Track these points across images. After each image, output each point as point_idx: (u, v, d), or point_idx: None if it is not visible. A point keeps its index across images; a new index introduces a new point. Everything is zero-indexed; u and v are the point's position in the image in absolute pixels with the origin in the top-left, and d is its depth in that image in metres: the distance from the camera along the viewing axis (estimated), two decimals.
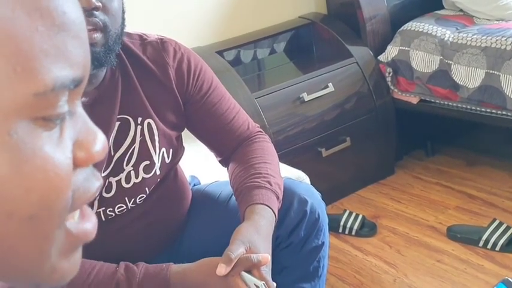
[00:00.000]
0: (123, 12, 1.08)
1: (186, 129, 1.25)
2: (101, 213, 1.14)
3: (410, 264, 1.92)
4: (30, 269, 0.38)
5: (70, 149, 0.37)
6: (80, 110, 0.39)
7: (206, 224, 1.29)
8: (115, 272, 1.04)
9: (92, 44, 1.00)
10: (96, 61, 1.02)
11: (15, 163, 0.33)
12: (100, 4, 1.00)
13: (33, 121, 0.34)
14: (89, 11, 0.98)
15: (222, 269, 0.95)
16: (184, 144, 1.27)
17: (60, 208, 0.36)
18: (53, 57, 0.34)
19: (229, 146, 1.26)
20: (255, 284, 0.94)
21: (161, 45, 1.17)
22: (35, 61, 0.33)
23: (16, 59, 0.33)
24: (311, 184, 1.60)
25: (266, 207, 1.09)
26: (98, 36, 1.01)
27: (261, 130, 1.30)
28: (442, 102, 2.26)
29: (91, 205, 1.12)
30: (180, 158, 1.26)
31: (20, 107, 0.33)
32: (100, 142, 0.39)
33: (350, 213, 2.15)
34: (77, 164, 0.37)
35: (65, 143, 0.36)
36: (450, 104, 2.24)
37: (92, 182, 0.39)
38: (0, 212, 0.34)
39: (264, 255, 0.99)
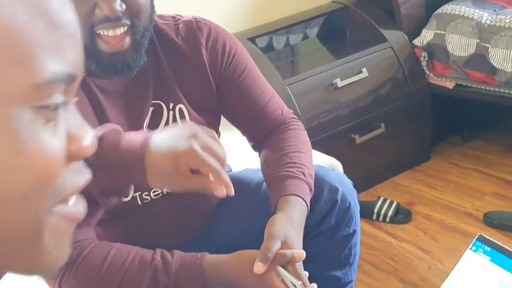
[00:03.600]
0: (152, 3, 1.07)
1: None
2: (137, 197, 1.15)
3: (446, 251, 1.90)
4: (23, 253, 0.40)
5: (64, 140, 0.40)
6: (73, 107, 0.42)
7: (237, 210, 1.29)
8: (152, 259, 1.06)
9: (121, 52, 1.01)
10: (125, 67, 1.03)
11: (15, 146, 0.36)
12: (123, 8, 0.99)
13: (32, 109, 0.37)
14: (114, 17, 0.98)
15: (259, 268, 0.95)
16: None
17: (51, 191, 0.39)
18: (50, 52, 0.37)
19: (262, 131, 1.25)
20: (291, 282, 0.94)
21: (195, 24, 1.16)
22: (35, 54, 0.36)
23: (17, 50, 0.36)
24: (344, 171, 1.59)
25: (299, 198, 1.08)
26: (126, 41, 1.01)
27: (295, 117, 1.29)
28: (478, 86, 2.21)
29: None
30: None
31: (20, 95, 0.36)
32: (90, 138, 0.42)
33: (384, 200, 2.13)
34: (68, 156, 0.40)
35: (60, 132, 0.39)
36: (487, 88, 2.19)
37: (81, 175, 0.42)
38: None
39: (299, 251, 0.99)
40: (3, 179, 0.36)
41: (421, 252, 1.92)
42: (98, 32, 0.99)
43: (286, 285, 0.95)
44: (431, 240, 1.97)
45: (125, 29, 1.01)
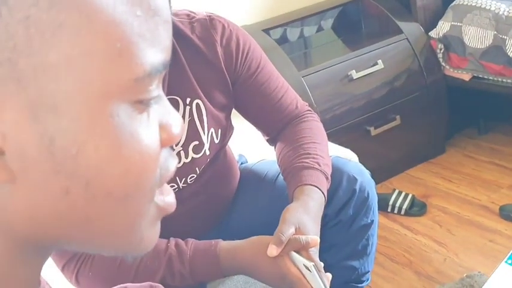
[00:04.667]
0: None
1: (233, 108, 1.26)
2: None
3: (461, 243, 1.89)
4: (123, 241, 0.40)
5: (157, 131, 0.38)
6: (162, 93, 0.40)
7: (254, 202, 1.30)
8: (167, 247, 1.07)
9: None
10: None
11: (116, 146, 0.35)
12: None
13: (131, 104, 0.35)
14: None
15: (273, 251, 0.96)
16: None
17: (152, 186, 0.38)
18: (149, 42, 0.35)
19: (277, 125, 1.25)
20: (304, 265, 0.94)
21: (210, 23, 1.16)
22: (135, 46, 0.34)
23: (118, 44, 0.34)
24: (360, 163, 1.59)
25: (315, 188, 1.08)
26: None
27: (310, 109, 1.29)
28: (495, 78, 2.19)
29: None
30: (229, 138, 1.27)
31: (122, 91, 0.34)
32: (179, 124, 0.41)
33: (399, 193, 2.13)
34: (161, 145, 0.39)
35: (153, 124, 0.38)
36: (504, 80, 2.17)
37: (171, 160, 0.41)
38: (99, 192, 0.36)
39: (313, 237, 0.99)
40: (106, 180, 0.36)
41: (436, 245, 1.91)
42: None
43: (299, 269, 0.95)
44: (446, 233, 1.96)
45: None
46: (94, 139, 0.34)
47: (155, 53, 0.36)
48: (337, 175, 1.18)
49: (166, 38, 0.37)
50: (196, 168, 1.19)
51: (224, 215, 1.30)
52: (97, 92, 0.34)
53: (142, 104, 0.36)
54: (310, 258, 0.97)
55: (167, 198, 0.42)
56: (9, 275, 0.38)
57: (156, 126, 0.38)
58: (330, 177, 1.14)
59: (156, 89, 0.37)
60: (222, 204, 1.29)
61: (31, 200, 0.35)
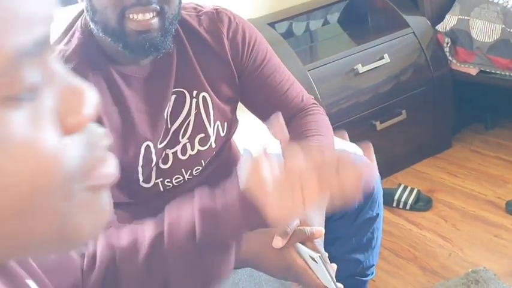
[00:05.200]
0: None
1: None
2: (159, 183, 1.16)
3: (467, 238, 1.89)
4: (55, 242, 0.35)
5: (52, 120, 0.32)
6: (58, 69, 0.33)
7: None
8: None
9: (149, 30, 1.01)
10: (153, 47, 1.03)
11: None
12: None
13: (1, 104, 0.29)
14: (145, 1, 0.98)
15: (278, 242, 0.96)
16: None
17: (60, 184, 0.32)
18: (2, 24, 0.28)
19: (283, 118, 1.25)
20: (309, 256, 0.94)
21: (216, 15, 1.17)
22: None
23: None
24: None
25: None
26: (154, 22, 1.01)
27: (316, 102, 1.29)
28: (503, 73, 2.18)
29: (149, 175, 1.14)
30: (235, 131, 1.27)
31: None
32: (87, 100, 0.34)
33: (405, 188, 2.12)
34: (71, 131, 0.33)
35: (44, 115, 0.31)
36: (511, 74, 2.16)
37: (98, 137, 0.36)
38: (3, 202, 0.31)
39: (318, 228, 0.99)
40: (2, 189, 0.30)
41: (441, 240, 1.91)
42: (127, 15, 1.00)
43: (305, 260, 0.95)
44: (451, 228, 1.96)
45: (154, 14, 1.01)
46: None
47: (16, 33, 0.28)
48: None
49: (32, 10, 0.30)
50: (202, 161, 1.19)
51: None
52: None
53: (16, 100, 0.29)
54: (315, 249, 0.96)
55: (107, 169, 0.36)
56: None
57: (50, 116, 0.32)
58: None
59: (37, 74, 0.30)
60: None
61: None
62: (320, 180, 0.73)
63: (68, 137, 0.33)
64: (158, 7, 1.01)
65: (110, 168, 0.37)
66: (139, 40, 1.02)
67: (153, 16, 1.01)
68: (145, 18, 1.00)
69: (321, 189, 0.73)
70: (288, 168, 0.74)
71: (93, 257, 0.75)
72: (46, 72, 0.31)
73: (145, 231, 0.76)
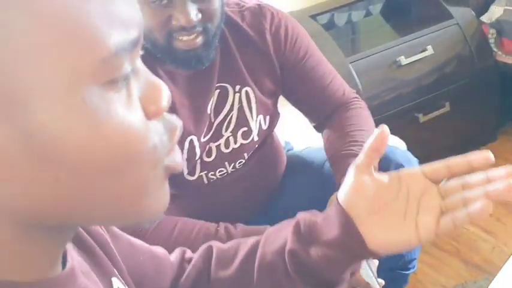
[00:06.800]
0: (223, 3, 1.09)
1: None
2: (203, 176, 1.19)
3: (511, 233, 1.86)
4: (130, 210, 0.41)
5: (139, 105, 0.39)
6: (142, 67, 0.41)
7: (301, 189, 1.31)
8: (216, 231, 1.09)
9: (195, 48, 1.04)
10: (199, 62, 1.06)
11: (93, 127, 0.36)
12: (198, 17, 1.02)
13: (102, 85, 0.36)
14: (190, 27, 1.01)
15: None
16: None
17: (146, 157, 0.39)
18: (109, 23, 0.35)
19: (324, 112, 1.26)
20: None
21: (259, 11, 1.18)
22: (95, 29, 0.35)
23: (77, 29, 0.34)
24: (407, 150, 1.58)
25: None
26: (199, 40, 1.04)
27: (357, 96, 1.29)
28: None
29: (194, 167, 1.17)
30: (276, 124, 1.28)
31: (89, 74, 0.35)
32: (165, 95, 0.41)
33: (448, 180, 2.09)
34: (150, 117, 0.40)
35: (134, 100, 0.39)
36: None
37: (172, 123, 0.42)
38: (89, 172, 0.37)
39: None
40: (92, 160, 0.36)
41: (484, 234, 1.88)
42: (175, 36, 1.03)
43: None
44: (495, 222, 1.93)
45: (199, 32, 1.04)
46: (71, 126, 0.35)
47: (119, 31, 0.36)
48: (385, 163, 1.16)
49: (130, 16, 0.37)
50: (245, 154, 1.21)
51: (271, 200, 1.32)
52: (64, 81, 0.34)
53: (116, 83, 0.37)
54: None
55: (176, 157, 0.43)
56: (23, 254, 0.40)
57: (138, 103, 0.39)
58: (377, 166, 1.13)
59: (129, 66, 0.37)
60: (268, 190, 1.31)
61: (26, 191, 0.36)
62: (444, 210, 0.61)
63: (149, 121, 0.40)
64: (201, 28, 1.03)
65: (178, 157, 0.43)
66: (186, 57, 1.05)
67: (197, 35, 1.04)
68: (190, 38, 1.03)
69: (442, 223, 0.60)
70: (404, 183, 0.64)
71: (187, 261, 0.77)
72: (134, 67, 0.39)
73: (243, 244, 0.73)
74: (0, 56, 0.33)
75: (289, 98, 1.28)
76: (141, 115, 0.39)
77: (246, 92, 1.17)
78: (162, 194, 0.43)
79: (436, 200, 0.62)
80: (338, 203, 0.65)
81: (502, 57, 2.26)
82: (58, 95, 0.34)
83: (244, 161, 1.22)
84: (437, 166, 0.65)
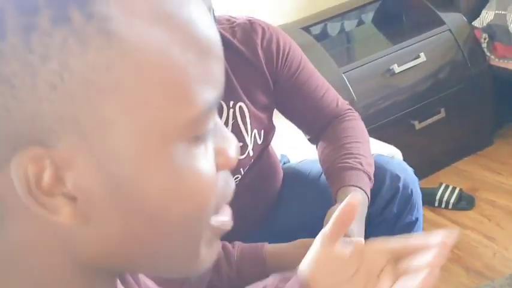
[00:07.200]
0: (213, 14, 1.09)
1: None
2: None
3: (511, 237, 1.85)
4: (183, 264, 0.42)
5: (213, 158, 0.40)
6: (218, 120, 0.41)
7: (298, 202, 1.31)
8: None
9: None
10: None
11: (177, 183, 0.37)
12: None
13: (189, 141, 0.37)
14: None
15: None
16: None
17: (209, 211, 0.40)
18: (202, 83, 0.37)
19: (318, 124, 1.26)
20: None
21: (250, 26, 1.19)
22: (190, 89, 0.36)
23: (175, 88, 0.35)
24: (404, 158, 1.58)
25: (358, 189, 1.09)
26: None
27: (351, 108, 1.29)
28: None
29: None
30: (272, 137, 1.28)
31: (180, 132, 0.36)
32: (235, 147, 0.42)
33: (446, 187, 2.10)
34: (219, 168, 0.41)
35: (210, 153, 0.40)
36: None
37: (230, 183, 0.43)
38: (161, 224, 0.38)
39: (358, 239, 0.99)
40: (168, 213, 0.38)
41: (485, 240, 1.88)
42: None
43: None
44: (495, 227, 1.93)
45: None
46: (157, 181, 0.36)
47: (209, 91, 0.37)
48: (380, 173, 1.18)
49: (219, 74, 0.39)
50: (241, 169, 1.21)
51: (269, 214, 1.31)
52: (156, 137, 0.35)
53: (201, 139, 0.38)
54: None
55: (223, 217, 0.43)
56: None
57: (212, 154, 0.40)
58: (372, 177, 1.14)
59: (212, 122, 0.39)
60: (266, 204, 1.31)
61: (100, 236, 0.38)
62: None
63: (217, 173, 0.41)
64: None
65: (228, 216, 0.44)
66: None
67: None
68: None
69: None
70: (367, 259, 0.66)
71: None
72: (215, 122, 0.40)
73: None
74: (104, 105, 0.34)
75: (282, 112, 1.28)
76: (214, 166, 0.40)
77: (240, 107, 1.18)
78: (211, 252, 0.44)
79: (392, 279, 0.64)
80: (301, 274, 0.66)
81: (495, 62, 2.27)
82: (148, 150, 0.35)
83: (240, 176, 1.22)
84: (402, 245, 0.67)
